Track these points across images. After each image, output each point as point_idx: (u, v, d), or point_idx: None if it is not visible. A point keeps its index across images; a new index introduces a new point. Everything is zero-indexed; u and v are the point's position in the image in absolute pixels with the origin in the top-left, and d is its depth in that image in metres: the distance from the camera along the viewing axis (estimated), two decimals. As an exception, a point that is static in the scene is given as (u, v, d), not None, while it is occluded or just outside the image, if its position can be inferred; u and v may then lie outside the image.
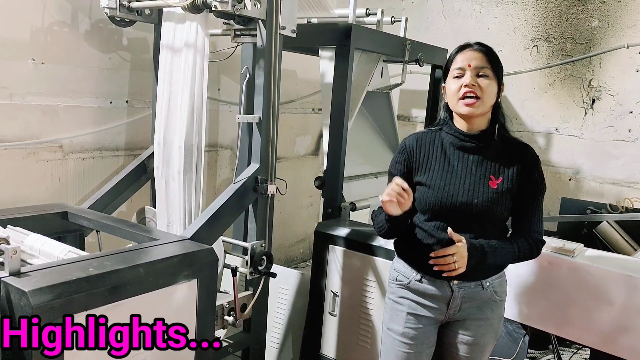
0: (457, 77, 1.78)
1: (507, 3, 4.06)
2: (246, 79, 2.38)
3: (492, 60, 1.77)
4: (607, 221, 3.18)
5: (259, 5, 2.15)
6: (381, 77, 3.32)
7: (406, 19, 3.31)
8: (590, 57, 3.75)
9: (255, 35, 2.25)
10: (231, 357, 2.46)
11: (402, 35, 3.24)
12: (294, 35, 2.32)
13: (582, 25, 3.78)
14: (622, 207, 3.22)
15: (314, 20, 3.16)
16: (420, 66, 3.23)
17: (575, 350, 3.21)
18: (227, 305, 2.23)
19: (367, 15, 3.12)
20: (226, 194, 2.24)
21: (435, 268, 1.76)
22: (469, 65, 1.75)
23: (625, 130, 3.65)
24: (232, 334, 2.45)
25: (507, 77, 3.96)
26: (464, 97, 1.75)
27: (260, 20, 2.20)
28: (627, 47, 3.59)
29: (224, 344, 2.31)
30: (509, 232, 1.92)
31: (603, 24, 3.70)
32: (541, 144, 3.98)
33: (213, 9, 2.09)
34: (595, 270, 2.34)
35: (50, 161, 2.77)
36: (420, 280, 1.87)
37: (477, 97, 1.74)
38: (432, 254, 1.75)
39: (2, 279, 1.51)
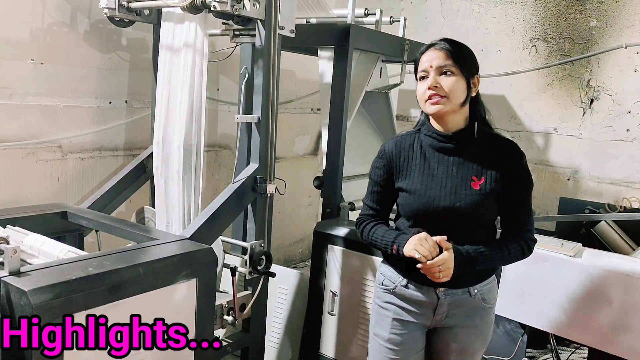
0: (422, 78, 1.73)
1: (506, 3, 4.07)
2: (245, 79, 2.38)
3: (456, 56, 1.70)
4: (606, 221, 3.19)
5: (257, 6, 2.15)
6: (380, 77, 3.32)
7: (405, 19, 3.32)
8: (588, 57, 3.76)
9: (254, 36, 2.26)
10: (230, 357, 2.47)
11: (400, 35, 3.24)
12: (292, 35, 2.32)
13: (581, 25, 3.79)
14: (621, 206, 3.23)
15: (313, 21, 3.16)
16: (419, 66, 3.23)
17: (573, 350, 3.22)
18: (227, 305, 2.24)
19: (366, 15, 3.13)
20: (225, 193, 2.24)
21: (421, 271, 1.71)
22: (431, 66, 1.70)
23: (624, 130, 3.65)
24: (231, 334, 2.46)
25: (506, 77, 4.00)
26: (430, 98, 1.70)
27: (259, 21, 2.21)
28: (626, 47, 3.60)
29: (223, 343, 2.32)
30: (499, 233, 1.87)
31: (601, 24, 3.70)
32: (540, 144, 3.99)
33: (212, 9, 2.09)
34: (593, 269, 2.34)
35: (50, 161, 2.77)
36: (406, 286, 1.82)
37: (442, 96, 1.69)
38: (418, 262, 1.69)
39: (2, 278, 1.52)
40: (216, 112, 3.70)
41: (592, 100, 3.77)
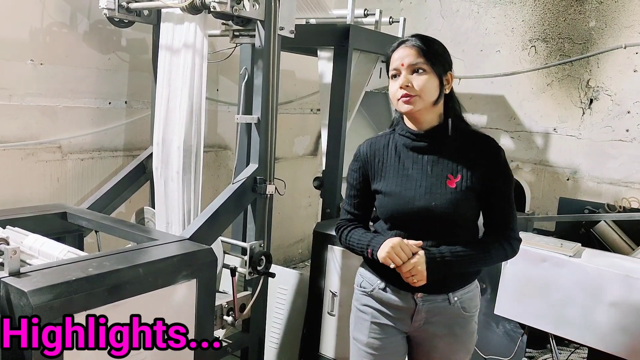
0: (394, 76, 1.69)
1: (505, 3, 4.07)
2: (245, 80, 2.38)
3: (427, 53, 1.65)
4: (605, 221, 3.19)
5: (257, 6, 2.16)
6: (379, 77, 3.33)
7: (404, 20, 3.32)
8: (587, 57, 3.76)
9: (253, 36, 2.26)
10: (230, 357, 2.47)
11: (400, 35, 3.24)
12: (292, 35, 2.32)
13: (580, 25, 3.80)
14: (620, 206, 3.23)
15: (313, 21, 3.16)
16: (419, 66, 3.23)
17: (573, 350, 3.22)
18: (226, 305, 2.24)
19: (366, 15, 3.13)
20: (225, 194, 2.24)
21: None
22: (402, 65, 1.65)
23: (623, 130, 3.66)
24: (231, 334, 2.46)
25: (505, 77, 4.00)
26: (402, 97, 1.65)
27: (258, 21, 2.21)
28: (625, 48, 3.60)
29: (223, 343, 2.32)
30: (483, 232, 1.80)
31: (601, 24, 3.71)
32: (539, 144, 3.99)
33: (212, 9, 2.10)
34: (593, 269, 2.34)
35: (50, 162, 2.77)
36: (384, 289, 1.76)
37: (413, 95, 1.64)
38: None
39: (2, 279, 1.52)
40: (216, 112, 3.70)
41: (591, 101, 3.78)
